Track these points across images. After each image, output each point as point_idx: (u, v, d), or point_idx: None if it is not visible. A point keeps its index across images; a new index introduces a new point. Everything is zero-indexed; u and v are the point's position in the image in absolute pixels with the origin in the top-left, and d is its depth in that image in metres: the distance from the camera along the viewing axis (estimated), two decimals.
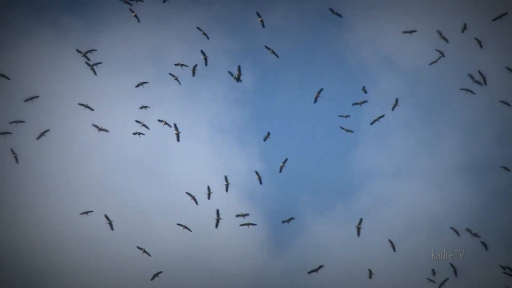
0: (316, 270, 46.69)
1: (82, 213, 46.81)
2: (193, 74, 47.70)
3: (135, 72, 48.94)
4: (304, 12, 50.37)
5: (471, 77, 48.07)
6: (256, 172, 48.27)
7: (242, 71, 48.53)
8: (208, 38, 48.58)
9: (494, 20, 47.79)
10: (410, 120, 49.39)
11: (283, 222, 47.71)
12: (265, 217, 48.37)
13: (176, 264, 47.14)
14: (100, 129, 47.66)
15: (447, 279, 46.20)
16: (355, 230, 47.26)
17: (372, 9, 50.15)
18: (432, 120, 49.28)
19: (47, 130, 47.71)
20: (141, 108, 48.15)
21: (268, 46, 48.30)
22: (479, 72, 48.11)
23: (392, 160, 49.08)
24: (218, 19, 49.79)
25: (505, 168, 47.38)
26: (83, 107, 47.85)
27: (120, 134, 48.73)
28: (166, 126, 48.22)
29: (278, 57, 48.30)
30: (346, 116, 48.38)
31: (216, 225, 47.53)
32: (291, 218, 47.63)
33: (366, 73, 50.13)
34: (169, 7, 49.21)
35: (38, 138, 47.70)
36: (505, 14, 47.86)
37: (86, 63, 47.96)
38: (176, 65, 48.16)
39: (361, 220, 46.99)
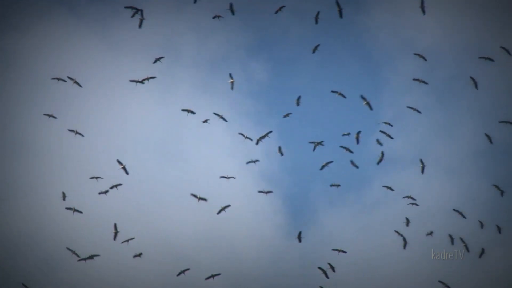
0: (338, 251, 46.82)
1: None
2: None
3: (147, 61, 48.91)
4: None
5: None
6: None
7: (255, 64, 48.61)
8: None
9: None
10: (426, 105, 49.16)
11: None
12: (282, 201, 48.51)
13: (193, 248, 47.32)
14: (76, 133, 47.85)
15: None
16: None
17: None
18: (449, 104, 49.04)
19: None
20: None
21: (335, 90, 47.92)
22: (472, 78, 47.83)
23: (407, 148, 48.83)
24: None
25: None
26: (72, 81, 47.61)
27: (137, 118, 48.79)
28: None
29: (345, 97, 48.06)
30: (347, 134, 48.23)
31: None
32: None
33: (384, 56, 49.97)
34: None
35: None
36: None
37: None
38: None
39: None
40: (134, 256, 46.54)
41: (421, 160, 47.50)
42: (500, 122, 47.48)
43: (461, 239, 46.48)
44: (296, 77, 49.71)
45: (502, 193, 46.98)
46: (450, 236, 46.79)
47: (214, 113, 47.49)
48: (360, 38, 49.72)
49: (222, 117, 47.57)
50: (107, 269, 46.36)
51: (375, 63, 49.64)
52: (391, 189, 47.42)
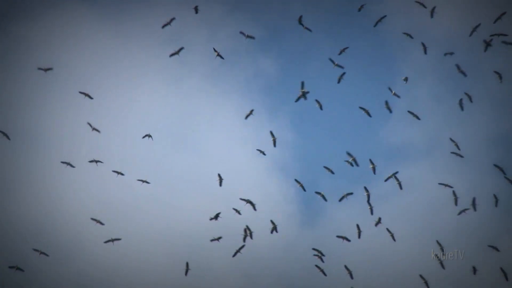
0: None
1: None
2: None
3: (154, 55, 49.03)
4: None
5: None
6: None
7: (265, 58, 48.55)
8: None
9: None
10: (439, 94, 48.96)
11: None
12: (295, 190, 48.65)
13: (205, 237, 47.75)
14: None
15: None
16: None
17: None
18: (462, 94, 48.69)
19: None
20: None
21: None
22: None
23: (417, 140, 48.67)
24: (241, 3, 49.41)
25: None
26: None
27: (147, 107, 49.04)
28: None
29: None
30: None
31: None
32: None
33: (397, 45, 49.69)
34: None
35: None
36: None
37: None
38: None
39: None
40: None
41: None
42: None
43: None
44: (307, 71, 49.74)
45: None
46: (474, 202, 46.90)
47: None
48: (373, 29, 49.48)
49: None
50: (109, 269, 47.11)
51: (389, 53, 49.41)
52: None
